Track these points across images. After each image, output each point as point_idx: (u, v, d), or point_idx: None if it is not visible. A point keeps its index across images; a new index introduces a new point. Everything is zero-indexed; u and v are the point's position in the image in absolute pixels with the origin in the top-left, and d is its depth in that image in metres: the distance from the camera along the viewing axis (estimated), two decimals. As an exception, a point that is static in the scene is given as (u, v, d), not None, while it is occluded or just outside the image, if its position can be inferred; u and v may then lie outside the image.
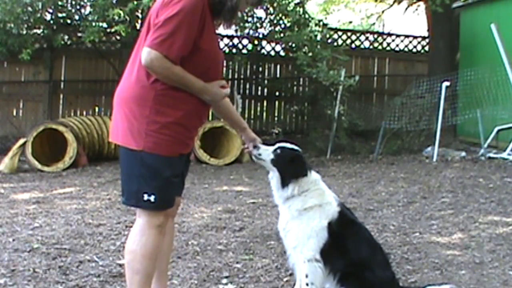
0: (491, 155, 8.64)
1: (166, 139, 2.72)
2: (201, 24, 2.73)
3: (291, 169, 3.13)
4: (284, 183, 3.13)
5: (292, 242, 3.12)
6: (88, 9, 10.06)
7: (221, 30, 10.63)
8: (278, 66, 12.49)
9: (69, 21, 10.35)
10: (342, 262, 3.09)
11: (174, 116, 2.73)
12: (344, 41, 12.97)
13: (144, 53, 2.66)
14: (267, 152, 3.17)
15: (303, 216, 3.10)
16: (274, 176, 3.19)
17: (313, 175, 3.20)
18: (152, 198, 2.73)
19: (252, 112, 12.41)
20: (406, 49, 13.57)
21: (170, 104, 2.73)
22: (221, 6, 2.83)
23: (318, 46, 9.95)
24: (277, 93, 12.42)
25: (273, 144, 3.23)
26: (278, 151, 3.17)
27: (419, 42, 13.61)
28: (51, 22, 10.22)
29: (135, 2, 8.73)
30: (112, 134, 2.87)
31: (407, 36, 13.77)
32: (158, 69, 2.67)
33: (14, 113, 11.33)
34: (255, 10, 10.36)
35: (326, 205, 3.13)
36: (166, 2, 2.70)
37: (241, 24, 10.34)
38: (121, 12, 8.72)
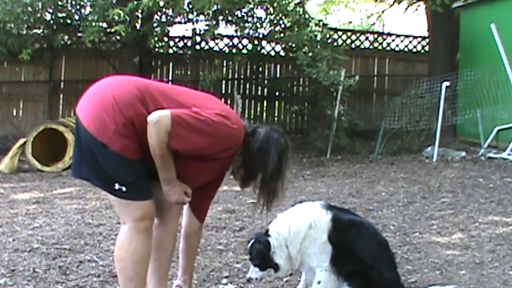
0: (491, 155, 8.63)
1: (130, 145, 2.70)
2: (217, 157, 2.82)
3: (261, 257, 3.17)
4: (276, 264, 3.18)
5: (309, 265, 3.20)
6: (88, 9, 10.07)
7: (221, 30, 10.43)
8: (278, 66, 12.49)
9: (69, 21, 10.36)
10: (350, 265, 3.13)
11: (139, 138, 2.71)
12: (344, 41, 12.96)
13: (162, 112, 2.65)
14: (253, 271, 3.23)
15: (307, 247, 3.15)
16: (275, 270, 3.23)
17: (277, 227, 3.20)
18: (123, 188, 2.72)
19: (252, 112, 12.41)
20: (406, 49, 13.55)
21: (142, 131, 2.69)
22: (251, 177, 2.98)
23: (318, 46, 9.94)
24: (277, 93, 12.42)
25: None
26: (252, 261, 3.23)
27: (419, 42, 13.60)
28: (51, 22, 10.23)
29: (135, 2, 8.74)
30: (81, 109, 2.80)
31: (407, 36, 13.76)
32: (153, 133, 2.64)
33: (14, 113, 11.34)
34: (255, 10, 10.37)
35: (316, 222, 3.14)
36: (223, 113, 2.78)
37: (241, 24, 10.35)
38: (121, 12, 8.72)
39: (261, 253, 3.15)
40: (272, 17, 10.40)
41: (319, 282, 3.12)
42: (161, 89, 2.86)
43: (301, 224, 3.14)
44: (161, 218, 2.98)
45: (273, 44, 11.82)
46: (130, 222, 2.77)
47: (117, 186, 2.71)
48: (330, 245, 3.11)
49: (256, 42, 11.58)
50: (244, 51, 11.83)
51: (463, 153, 9.03)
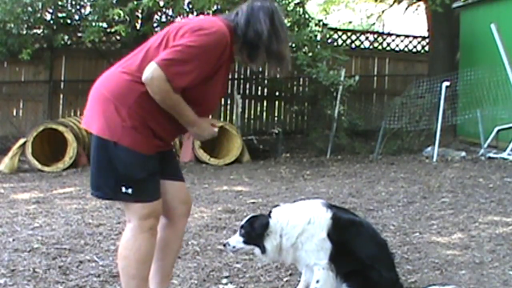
0: (491, 155, 8.63)
1: (139, 138, 2.69)
2: (219, 65, 2.73)
3: (257, 230, 3.14)
4: (264, 246, 3.14)
5: (305, 262, 3.18)
6: (88, 9, 10.07)
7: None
8: (278, 66, 12.48)
9: (69, 21, 10.36)
10: (349, 265, 3.13)
11: (149, 123, 2.70)
12: (344, 41, 12.97)
13: (150, 67, 2.61)
14: (236, 239, 3.21)
15: (302, 243, 3.13)
16: (262, 251, 3.17)
17: (277, 215, 3.19)
18: (130, 190, 2.71)
19: (252, 112, 12.41)
20: (406, 49, 13.57)
21: (148, 110, 2.68)
22: (254, 52, 2.85)
23: (318, 46, 9.95)
24: (277, 93, 12.42)
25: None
26: (242, 231, 3.20)
27: (419, 42, 13.62)
28: (51, 22, 10.23)
29: (135, 2, 8.74)
30: (86, 122, 2.81)
31: (407, 36, 13.78)
32: (155, 89, 2.63)
33: (14, 113, 11.34)
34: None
35: (315, 218, 3.14)
36: (195, 28, 2.68)
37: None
38: (121, 12, 8.72)
39: (260, 227, 3.13)
40: (272, 17, 10.38)
41: (317, 281, 3.10)
42: (135, 52, 2.83)
43: (300, 219, 3.15)
44: (170, 218, 2.97)
45: (273, 44, 11.81)
46: (135, 220, 2.77)
47: (123, 190, 2.71)
48: (329, 242, 3.10)
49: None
50: (244, 51, 11.82)
51: (463, 153, 9.03)
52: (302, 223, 3.14)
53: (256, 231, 3.15)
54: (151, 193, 2.79)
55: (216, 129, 2.88)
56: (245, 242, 3.18)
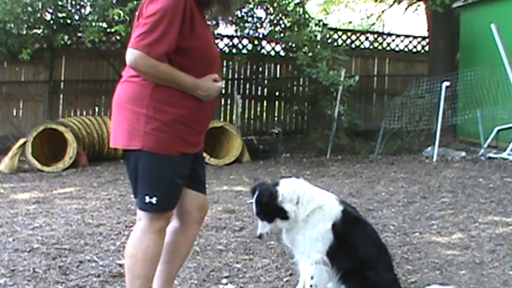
0: (491, 155, 8.64)
1: (166, 138, 2.67)
2: (189, 21, 2.68)
3: (268, 204, 3.06)
4: (282, 207, 3.06)
5: (300, 248, 3.13)
6: (88, 9, 10.05)
7: (221, 30, 10.51)
8: (278, 66, 12.49)
9: (69, 21, 10.34)
10: (347, 261, 3.09)
11: (174, 113, 2.68)
12: (344, 41, 12.97)
13: (128, 53, 2.63)
14: (261, 224, 3.11)
15: (307, 222, 3.09)
16: (286, 219, 3.09)
17: (291, 184, 3.14)
18: (153, 200, 2.69)
19: (252, 112, 12.40)
20: (406, 49, 13.56)
21: (168, 101, 2.68)
22: None
23: (318, 46, 9.94)
24: (277, 93, 12.42)
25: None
26: (257, 210, 3.11)
27: (419, 42, 13.61)
28: (51, 22, 10.22)
29: (135, 2, 8.73)
30: (112, 139, 2.81)
31: (407, 36, 13.78)
32: (143, 68, 2.63)
33: (14, 113, 11.32)
34: (255, 10, 10.37)
35: (326, 206, 3.11)
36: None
37: (241, 24, 10.34)
38: (121, 12, 8.71)
39: (270, 196, 3.04)
40: (272, 17, 10.39)
41: (312, 277, 3.06)
42: None
43: (314, 199, 3.10)
44: (183, 222, 2.95)
45: (273, 44, 11.82)
46: (145, 219, 2.76)
47: (147, 199, 2.70)
48: (332, 235, 3.05)
49: (256, 42, 11.57)
50: (244, 51, 11.83)
51: (463, 153, 9.03)
52: (315, 203, 3.09)
53: (269, 200, 3.05)
54: (174, 202, 2.79)
55: (220, 83, 2.83)
56: (268, 221, 3.08)
